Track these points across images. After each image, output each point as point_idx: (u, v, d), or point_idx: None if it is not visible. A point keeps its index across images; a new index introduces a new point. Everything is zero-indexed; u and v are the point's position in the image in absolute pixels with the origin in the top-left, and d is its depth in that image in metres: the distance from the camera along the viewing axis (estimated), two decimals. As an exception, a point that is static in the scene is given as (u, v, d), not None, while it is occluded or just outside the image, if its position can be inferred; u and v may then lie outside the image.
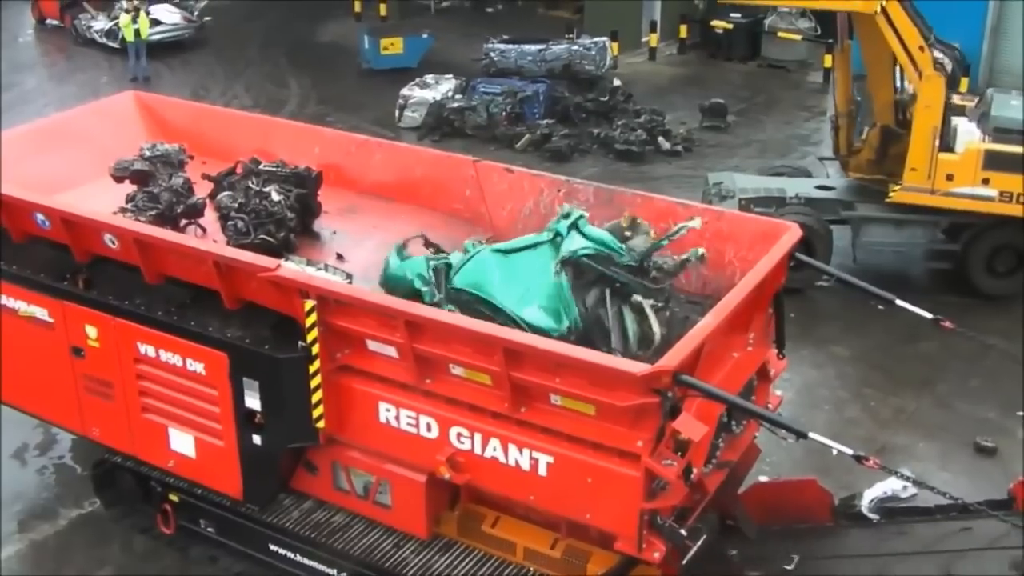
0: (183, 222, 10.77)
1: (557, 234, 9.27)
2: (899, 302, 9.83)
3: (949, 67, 16.02)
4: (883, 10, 15.20)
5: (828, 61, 18.06)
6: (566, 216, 9.38)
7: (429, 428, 8.72)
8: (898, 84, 16.80)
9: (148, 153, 11.13)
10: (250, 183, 10.76)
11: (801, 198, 17.09)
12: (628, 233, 9.52)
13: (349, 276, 9.78)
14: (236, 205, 10.46)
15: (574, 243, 9.04)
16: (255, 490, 9.85)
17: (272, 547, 10.12)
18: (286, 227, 10.44)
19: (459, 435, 8.59)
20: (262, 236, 10.24)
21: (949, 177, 15.83)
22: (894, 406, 14.25)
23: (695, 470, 7.95)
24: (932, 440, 13.50)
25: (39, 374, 10.79)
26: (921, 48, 15.44)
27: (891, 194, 16.24)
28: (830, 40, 17.45)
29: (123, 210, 10.61)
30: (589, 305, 8.84)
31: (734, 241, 9.79)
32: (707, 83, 28.01)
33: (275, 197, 10.51)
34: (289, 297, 8.93)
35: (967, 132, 15.94)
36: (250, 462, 9.67)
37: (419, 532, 9.41)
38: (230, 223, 10.35)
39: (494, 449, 8.46)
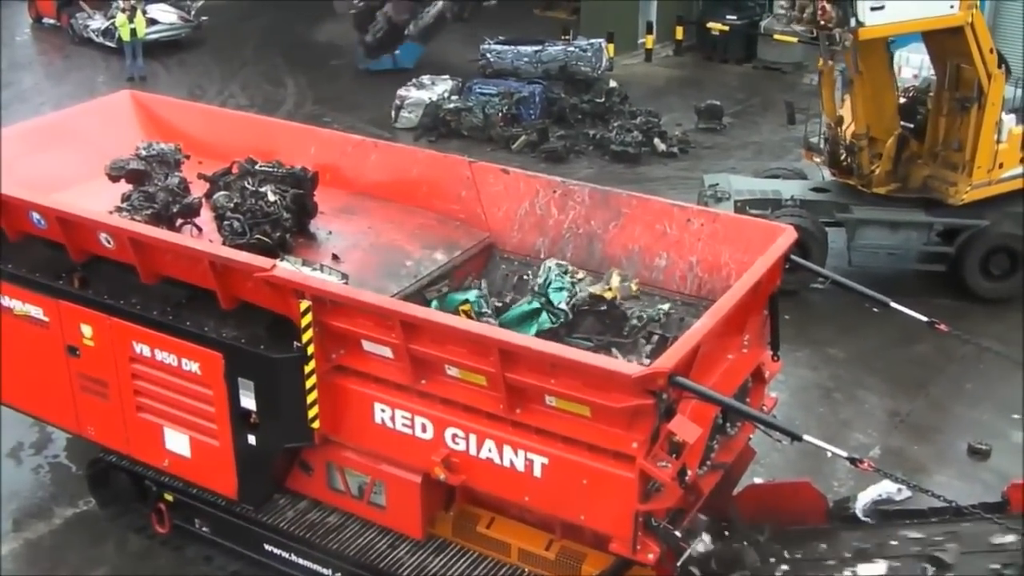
0: (179, 222, 10.76)
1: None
2: (894, 305, 9.86)
3: None
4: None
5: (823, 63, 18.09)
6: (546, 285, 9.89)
7: (424, 429, 8.72)
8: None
9: (144, 152, 11.13)
10: (246, 183, 10.75)
11: (796, 200, 17.12)
12: (609, 291, 9.74)
13: (345, 276, 9.78)
14: (232, 205, 10.45)
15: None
16: (250, 490, 9.84)
17: (267, 547, 10.13)
18: (282, 227, 10.43)
19: (454, 436, 8.60)
20: (258, 236, 10.24)
21: (1000, 165, 16.51)
22: (889, 408, 14.27)
23: (690, 472, 7.96)
24: (926, 443, 13.53)
25: (34, 373, 10.77)
26: (991, 50, 15.80)
27: (963, 197, 16.38)
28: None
29: (119, 209, 10.60)
30: None
31: (729, 243, 9.81)
32: (703, 85, 28.04)
33: (271, 197, 10.50)
34: (285, 297, 8.93)
35: (1007, 120, 16.52)
36: (245, 462, 9.66)
37: (414, 533, 9.41)
38: (226, 223, 10.34)
39: (489, 450, 8.46)
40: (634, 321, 9.74)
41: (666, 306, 9.86)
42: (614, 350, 9.33)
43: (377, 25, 10.52)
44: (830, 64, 17.09)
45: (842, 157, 17.27)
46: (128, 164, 10.98)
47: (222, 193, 10.71)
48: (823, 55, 16.96)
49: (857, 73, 16.40)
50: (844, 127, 17.17)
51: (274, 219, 10.39)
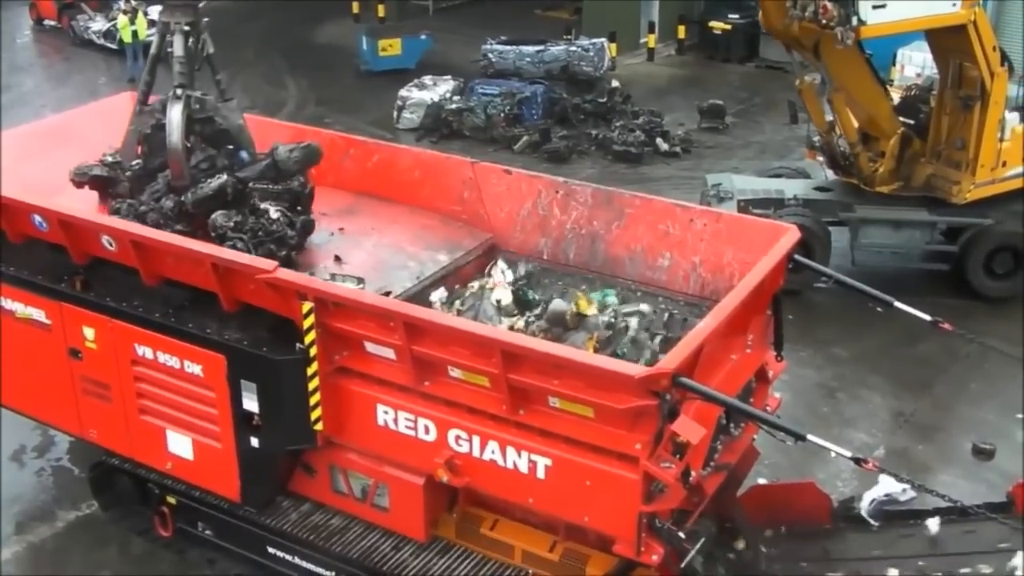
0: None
1: None
2: (897, 304, 9.83)
3: None
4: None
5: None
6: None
7: (427, 431, 8.70)
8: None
9: (109, 159, 10.91)
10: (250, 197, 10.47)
11: (799, 200, 17.10)
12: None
13: (361, 280, 9.74)
14: (232, 224, 10.03)
15: None
16: (253, 492, 9.83)
17: (270, 549, 10.09)
18: (287, 245, 10.11)
19: (457, 438, 8.57)
20: (263, 256, 9.95)
21: (1003, 164, 16.52)
22: (893, 408, 14.25)
23: (693, 473, 7.94)
24: (931, 442, 13.50)
25: (37, 376, 10.76)
26: (994, 48, 15.81)
27: (966, 195, 16.40)
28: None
29: (116, 212, 10.54)
30: None
31: (733, 243, 9.79)
32: (705, 84, 28.02)
33: (273, 215, 10.20)
34: (287, 299, 8.92)
35: (1011, 119, 16.52)
36: (248, 464, 9.65)
37: (417, 535, 9.39)
38: (228, 243, 9.87)
39: (492, 452, 8.44)
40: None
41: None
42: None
43: (156, 186, 10.51)
44: (806, 80, 17.19)
45: (841, 161, 17.26)
46: (91, 171, 10.80)
47: (220, 212, 10.19)
48: (797, 72, 17.10)
49: (835, 91, 16.43)
50: (837, 133, 17.16)
51: (278, 237, 10.07)
